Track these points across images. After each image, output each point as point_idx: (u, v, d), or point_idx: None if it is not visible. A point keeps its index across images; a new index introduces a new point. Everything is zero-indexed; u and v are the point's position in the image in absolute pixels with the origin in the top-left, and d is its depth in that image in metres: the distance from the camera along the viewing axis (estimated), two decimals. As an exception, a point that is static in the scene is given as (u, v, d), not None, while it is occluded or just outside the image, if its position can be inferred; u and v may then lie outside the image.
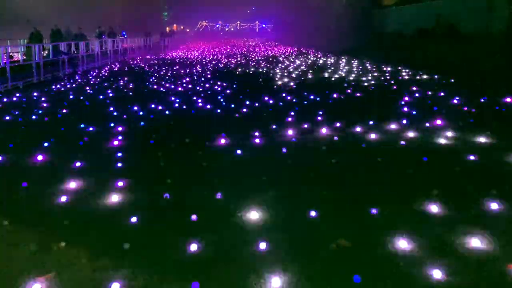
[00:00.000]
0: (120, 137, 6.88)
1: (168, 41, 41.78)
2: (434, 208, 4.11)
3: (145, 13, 54.86)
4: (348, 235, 3.60)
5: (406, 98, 10.21)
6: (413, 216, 4.01)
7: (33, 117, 8.67)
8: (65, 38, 20.81)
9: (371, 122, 7.68)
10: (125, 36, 34.85)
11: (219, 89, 12.39)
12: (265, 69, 18.80)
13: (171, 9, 68.55)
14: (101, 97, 11.14)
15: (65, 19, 27.82)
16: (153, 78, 15.64)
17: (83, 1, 47.29)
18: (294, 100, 10.30)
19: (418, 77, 14.43)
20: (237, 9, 74.84)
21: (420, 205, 4.19)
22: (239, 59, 25.23)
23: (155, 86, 13.26)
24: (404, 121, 7.73)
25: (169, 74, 16.93)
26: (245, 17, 78.80)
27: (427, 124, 7.55)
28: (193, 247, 3.44)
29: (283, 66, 19.68)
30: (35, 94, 11.73)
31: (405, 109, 8.93)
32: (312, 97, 10.62)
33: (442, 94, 10.78)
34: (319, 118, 8.20)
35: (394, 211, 4.09)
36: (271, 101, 10.07)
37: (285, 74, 16.42)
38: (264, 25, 76.00)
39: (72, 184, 4.84)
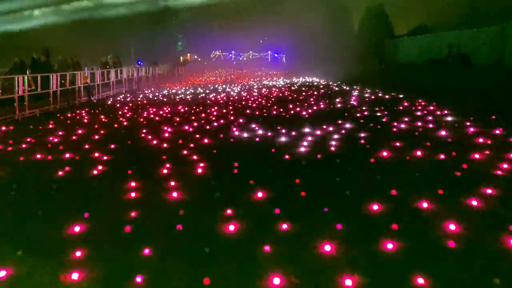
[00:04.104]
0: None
1: (181, 70, 42.59)
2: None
3: (160, 42, 55.75)
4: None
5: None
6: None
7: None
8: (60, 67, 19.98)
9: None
10: (140, 64, 35.34)
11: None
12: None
13: (185, 39, 69.94)
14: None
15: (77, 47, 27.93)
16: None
17: (97, 29, 47.86)
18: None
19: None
20: (250, 39, 75.98)
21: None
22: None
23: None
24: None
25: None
26: (257, 46, 79.87)
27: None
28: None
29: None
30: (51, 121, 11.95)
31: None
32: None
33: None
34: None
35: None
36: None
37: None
38: (276, 55, 76.89)
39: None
